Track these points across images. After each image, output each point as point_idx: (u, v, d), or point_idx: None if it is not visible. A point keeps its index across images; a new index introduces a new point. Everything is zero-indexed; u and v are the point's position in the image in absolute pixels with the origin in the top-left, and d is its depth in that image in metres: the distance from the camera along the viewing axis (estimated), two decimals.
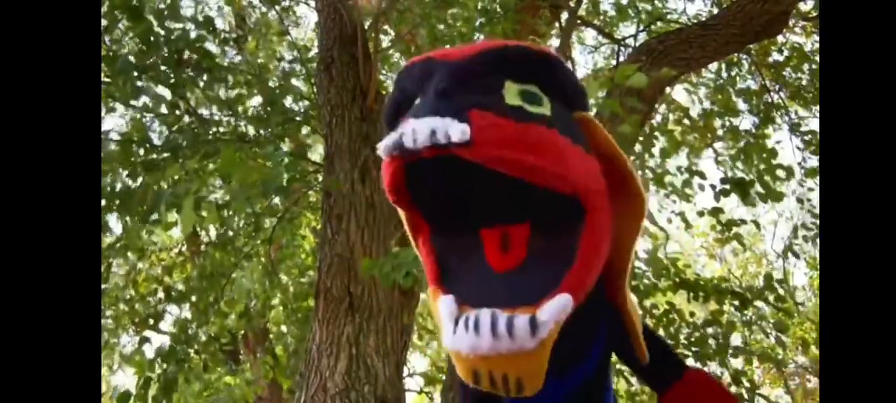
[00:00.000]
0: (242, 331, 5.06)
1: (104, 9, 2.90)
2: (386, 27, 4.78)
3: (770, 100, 4.91)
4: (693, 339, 3.49)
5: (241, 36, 5.58)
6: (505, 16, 4.07)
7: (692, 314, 3.68)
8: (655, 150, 3.83)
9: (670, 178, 3.70)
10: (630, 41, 4.58)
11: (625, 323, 0.75)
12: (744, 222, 3.81)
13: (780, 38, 4.78)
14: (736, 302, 3.63)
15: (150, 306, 4.81)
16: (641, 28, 4.75)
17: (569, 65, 4.68)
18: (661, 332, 3.52)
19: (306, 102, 4.34)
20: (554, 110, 0.63)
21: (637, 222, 0.70)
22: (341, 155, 3.26)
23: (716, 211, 3.60)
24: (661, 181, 3.57)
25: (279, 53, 5.73)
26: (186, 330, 3.84)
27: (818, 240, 4.48)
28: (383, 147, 0.59)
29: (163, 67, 3.11)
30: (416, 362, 7.51)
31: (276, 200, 4.14)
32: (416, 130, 0.56)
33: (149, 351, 3.56)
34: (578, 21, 4.89)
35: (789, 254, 4.59)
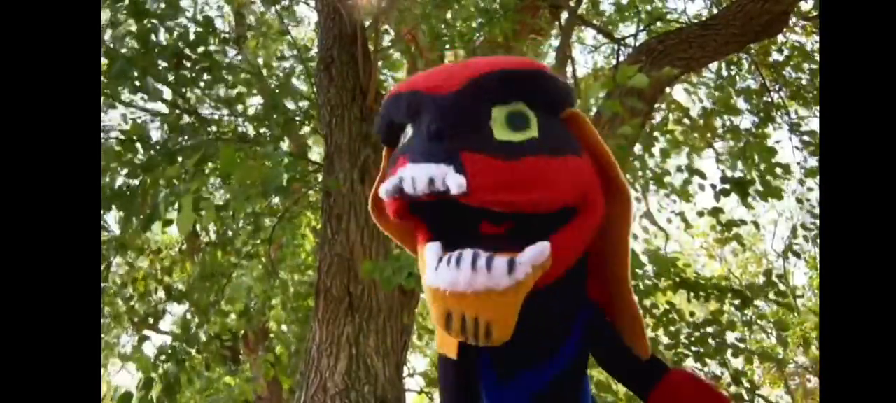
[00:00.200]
0: (243, 331, 5.07)
1: (106, 7, 2.91)
2: (386, 27, 4.77)
3: (770, 99, 4.91)
4: (693, 339, 3.49)
5: (241, 36, 5.57)
6: (505, 15, 4.07)
7: (692, 314, 3.68)
8: (655, 150, 3.83)
9: (670, 178, 3.70)
10: (630, 41, 4.58)
11: (619, 320, 0.76)
12: (744, 223, 3.82)
13: (780, 38, 4.78)
14: (736, 302, 3.63)
15: (150, 305, 4.81)
16: (641, 28, 4.75)
17: (568, 65, 4.69)
18: (661, 332, 3.52)
19: (306, 102, 4.34)
20: (541, 126, 0.65)
21: (624, 220, 0.71)
22: (341, 155, 3.26)
23: (716, 212, 3.61)
24: (661, 181, 3.57)
25: (279, 53, 5.73)
26: (188, 329, 3.84)
27: (818, 240, 4.48)
28: (385, 191, 0.63)
29: (162, 63, 3.11)
30: (416, 362, 7.52)
31: (276, 200, 4.14)
32: (415, 178, 0.59)
33: (148, 350, 3.57)
34: (578, 21, 4.89)
35: (789, 254, 4.59)
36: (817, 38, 5.04)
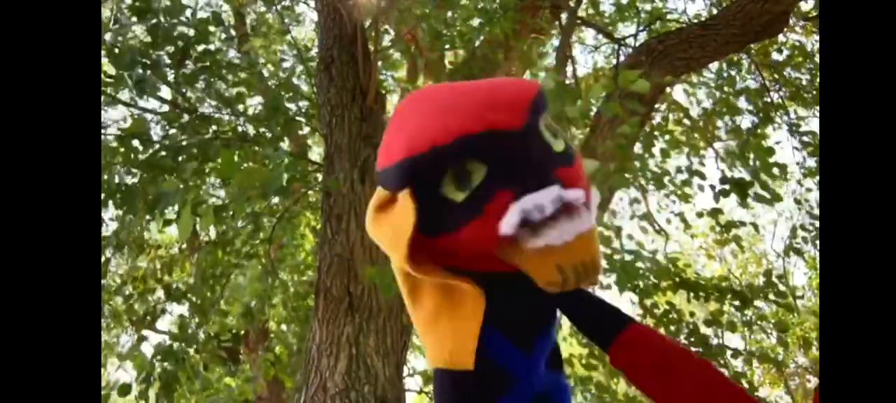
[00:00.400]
0: (243, 330, 5.07)
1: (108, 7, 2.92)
2: (386, 27, 4.78)
3: (770, 100, 4.91)
4: (693, 339, 3.49)
5: (241, 35, 5.58)
6: (505, 15, 4.07)
7: (692, 314, 3.68)
8: (655, 150, 3.83)
9: (670, 178, 3.70)
10: (630, 41, 4.58)
11: None
12: (743, 224, 3.82)
13: (780, 38, 4.78)
14: (736, 302, 3.63)
15: (149, 304, 4.82)
16: (641, 28, 4.75)
17: (568, 64, 4.68)
18: (660, 332, 3.51)
19: (306, 102, 4.34)
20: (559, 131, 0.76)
21: None
22: (341, 155, 3.26)
23: (715, 213, 3.60)
24: (660, 181, 3.57)
25: (280, 53, 5.73)
26: (186, 328, 3.84)
27: (817, 241, 4.48)
28: (510, 225, 0.68)
29: (165, 59, 3.12)
30: (416, 362, 7.51)
31: (276, 200, 4.14)
32: (542, 204, 0.67)
33: (147, 350, 3.57)
34: (578, 21, 4.89)
35: (790, 253, 4.59)
36: (817, 38, 5.04)
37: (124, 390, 3.21)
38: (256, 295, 4.32)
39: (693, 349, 3.45)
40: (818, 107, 4.66)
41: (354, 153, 3.26)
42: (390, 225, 0.73)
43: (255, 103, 4.88)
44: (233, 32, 5.41)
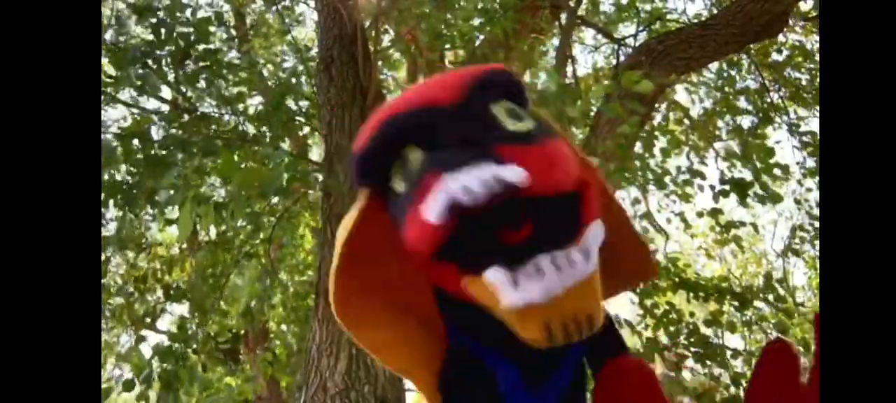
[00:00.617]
0: (243, 330, 5.07)
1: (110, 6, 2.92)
2: (386, 27, 4.78)
3: (770, 100, 4.91)
4: (693, 339, 3.49)
5: (242, 35, 5.58)
6: (505, 15, 4.07)
7: (692, 314, 3.69)
8: (656, 150, 3.83)
9: (670, 178, 3.70)
10: (630, 41, 4.59)
11: (627, 261, 0.75)
12: (743, 224, 3.82)
13: (780, 38, 4.78)
14: (736, 303, 3.63)
15: (149, 304, 4.82)
16: (641, 28, 4.75)
17: (568, 64, 4.67)
18: (661, 332, 3.52)
19: (306, 102, 4.34)
20: (529, 117, 0.64)
21: (604, 185, 0.71)
22: (341, 155, 3.26)
23: (715, 213, 3.61)
24: (661, 181, 3.58)
25: (280, 54, 5.74)
26: (185, 328, 3.85)
27: (817, 241, 4.48)
28: (435, 214, 0.56)
29: (166, 58, 3.12)
30: None
31: (276, 200, 4.14)
32: (468, 185, 0.54)
33: (146, 350, 3.57)
34: (578, 21, 4.90)
35: (789, 254, 4.59)
36: (817, 38, 5.04)
37: (128, 385, 3.23)
38: (256, 295, 4.32)
39: (693, 349, 3.45)
40: (818, 107, 4.66)
41: None
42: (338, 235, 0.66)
43: (255, 103, 4.89)
44: (233, 32, 5.41)
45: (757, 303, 3.88)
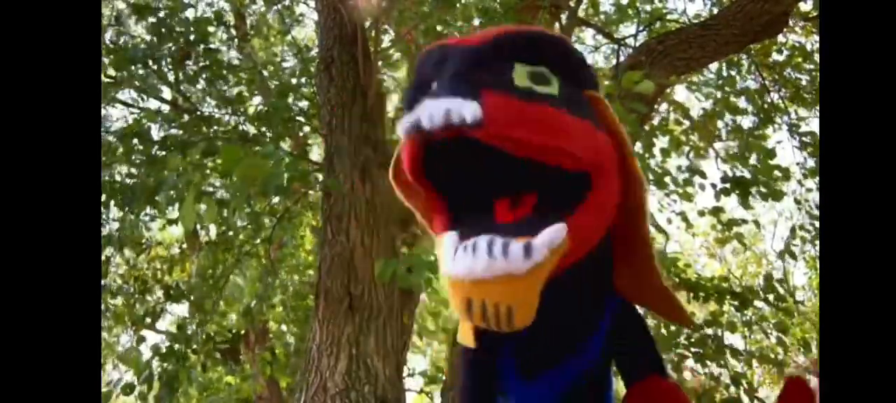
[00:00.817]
0: (243, 330, 5.07)
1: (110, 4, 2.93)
2: (386, 27, 4.77)
3: (770, 100, 4.91)
4: (693, 339, 3.49)
5: (242, 35, 5.58)
6: (505, 15, 4.07)
7: (692, 314, 3.68)
8: (656, 150, 3.83)
9: (670, 178, 3.70)
10: (630, 41, 4.58)
11: (651, 304, 0.76)
12: (744, 222, 3.82)
13: (780, 38, 4.78)
14: (736, 303, 3.63)
15: (148, 304, 4.82)
16: (641, 28, 4.75)
17: None
18: (661, 332, 3.52)
19: (306, 102, 4.34)
20: (562, 89, 0.65)
21: (637, 205, 0.70)
22: (341, 155, 3.26)
23: (716, 211, 3.61)
24: (661, 181, 3.58)
25: (281, 54, 5.73)
26: (185, 328, 3.85)
27: (817, 241, 4.48)
28: (402, 127, 0.61)
29: (166, 58, 3.13)
30: (416, 362, 7.51)
31: (276, 200, 4.14)
32: (433, 112, 0.58)
33: (145, 350, 3.58)
34: (578, 21, 4.89)
35: (786, 256, 4.59)
36: (817, 38, 5.04)
37: (128, 389, 3.23)
38: (256, 295, 4.32)
39: (693, 349, 3.45)
40: (818, 108, 4.66)
41: (354, 153, 3.26)
42: None
43: (255, 103, 4.89)
44: (234, 32, 5.41)
45: (757, 303, 3.88)
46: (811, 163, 4.53)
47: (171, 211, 2.98)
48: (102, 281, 4.06)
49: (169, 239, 5.92)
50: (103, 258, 3.86)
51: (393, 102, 4.60)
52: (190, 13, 3.50)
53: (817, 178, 4.30)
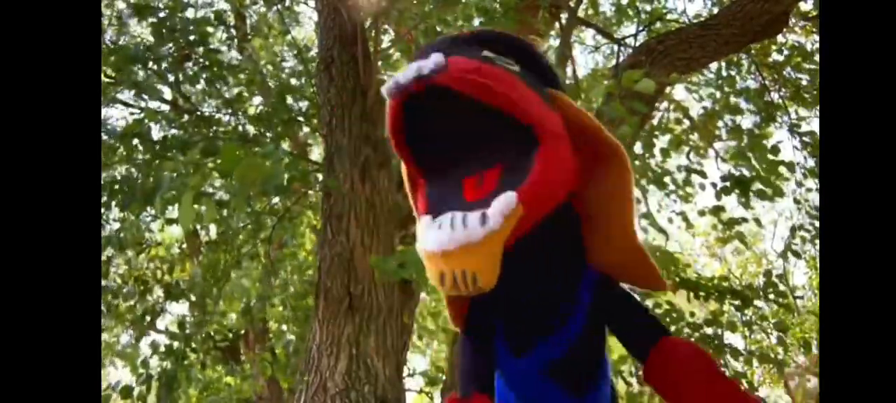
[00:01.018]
0: (243, 330, 5.07)
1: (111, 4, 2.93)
2: (386, 27, 4.77)
3: (770, 100, 4.90)
4: (693, 339, 3.49)
5: (242, 35, 5.58)
6: (505, 15, 4.07)
7: (692, 314, 3.68)
8: (656, 150, 3.82)
9: (671, 178, 3.70)
10: (630, 41, 4.58)
11: (633, 277, 0.81)
12: (745, 220, 3.81)
13: (780, 38, 4.78)
14: (736, 302, 3.63)
15: (149, 304, 4.82)
16: (641, 28, 4.75)
17: (569, 65, 4.66)
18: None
19: (306, 102, 4.34)
20: (524, 73, 0.74)
21: (622, 180, 0.76)
22: (341, 155, 3.26)
23: (717, 210, 3.60)
24: (661, 181, 3.57)
25: (280, 54, 5.73)
26: (185, 328, 3.85)
27: (817, 240, 4.48)
28: (385, 88, 0.71)
29: (167, 58, 3.13)
30: (416, 362, 7.52)
31: (276, 200, 4.14)
32: (407, 71, 0.68)
33: (145, 350, 3.58)
34: (578, 21, 4.89)
35: (788, 254, 4.58)
36: (817, 38, 5.04)
37: (126, 392, 3.22)
38: (256, 294, 4.32)
39: None
40: (818, 107, 4.66)
41: (354, 153, 3.26)
42: None
43: (255, 103, 4.89)
44: (234, 32, 5.41)
45: (757, 303, 3.88)
46: (811, 162, 4.53)
47: (170, 210, 2.97)
48: (103, 282, 4.06)
49: (169, 239, 5.92)
50: (104, 258, 3.86)
51: None
52: (190, 13, 3.51)
53: (817, 178, 4.30)
